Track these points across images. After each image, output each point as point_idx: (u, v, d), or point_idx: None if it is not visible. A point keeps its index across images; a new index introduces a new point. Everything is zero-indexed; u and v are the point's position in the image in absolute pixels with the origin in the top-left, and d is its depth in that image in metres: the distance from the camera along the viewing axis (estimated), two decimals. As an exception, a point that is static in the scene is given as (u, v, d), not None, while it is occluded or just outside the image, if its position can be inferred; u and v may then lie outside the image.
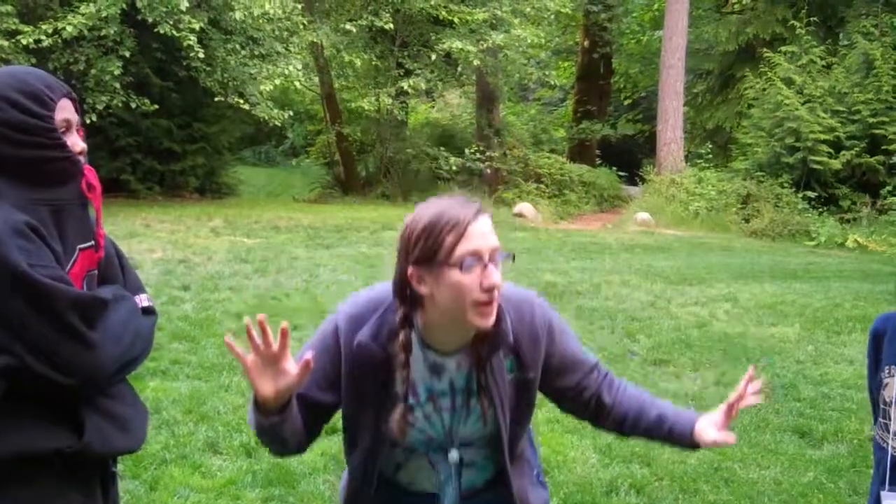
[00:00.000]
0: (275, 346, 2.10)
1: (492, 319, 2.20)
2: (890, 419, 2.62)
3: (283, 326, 2.09)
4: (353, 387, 2.33)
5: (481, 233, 2.17)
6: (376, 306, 2.32)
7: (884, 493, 2.59)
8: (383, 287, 2.33)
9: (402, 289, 2.25)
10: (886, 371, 2.66)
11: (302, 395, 2.32)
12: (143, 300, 2.51)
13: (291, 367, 2.13)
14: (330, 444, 5.38)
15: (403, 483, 2.49)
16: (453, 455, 2.41)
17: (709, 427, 2.40)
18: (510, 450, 2.42)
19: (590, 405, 2.52)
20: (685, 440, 2.44)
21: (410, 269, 2.20)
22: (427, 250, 2.17)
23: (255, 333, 2.09)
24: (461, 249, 2.15)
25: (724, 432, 2.39)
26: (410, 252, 2.20)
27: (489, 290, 2.16)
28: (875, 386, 2.74)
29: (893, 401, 2.61)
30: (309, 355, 2.14)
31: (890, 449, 2.61)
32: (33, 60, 14.65)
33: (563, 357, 2.44)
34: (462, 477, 2.45)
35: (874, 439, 2.73)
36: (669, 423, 2.45)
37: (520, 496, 2.48)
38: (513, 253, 2.24)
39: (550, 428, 5.75)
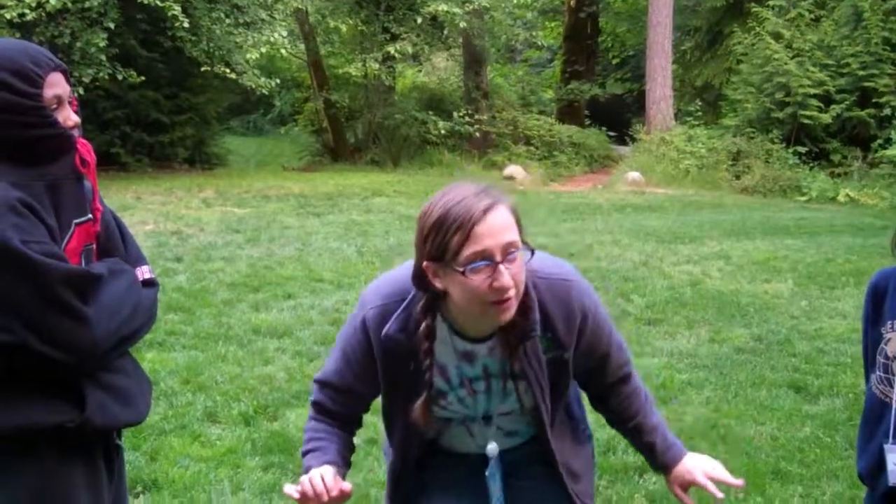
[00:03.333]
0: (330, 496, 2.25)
1: (509, 314, 2.16)
2: (893, 374, 2.62)
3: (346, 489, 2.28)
4: (386, 377, 2.34)
5: (491, 231, 2.07)
6: (402, 296, 2.28)
7: (888, 447, 2.60)
8: (407, 274, 2.27)
9: (421, 280, 2.21)
10: (889, 325, 2.66)
11: (349, 390, 2.39)
12: (144, 272, 2.50)
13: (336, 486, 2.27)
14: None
15: (444, 448, 2.52)
16: (492, 448, 2.45)
17: (678, 484, 2.51)
18: (550, 422, 2.43)
19: (590, 393, 2.59)
20: (656, 466, 2.57)
21: (425, 264, 2.16)
22: (436, 249, 2.11)
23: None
24: (467, 252, 2.07)
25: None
26: (423, 247, 2.15)
27: (500, 290, 2.10)
28: (873, 340, 2.74)
29: (897, 356, 2.62)
30: (347, 487, 2.28)
31: (894, 403, 2.61)
32: (17, 35, 14.50)
33: (587, 344, 2.38)
34: (505, 440, 2.49)
35: (870, 394, 2.73)
36: (654, 453, 2.54)
37: (563, 461, 2.49)
38: (532, 248, 2.17)
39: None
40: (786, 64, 19.97)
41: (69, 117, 2.32)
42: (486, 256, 2.07)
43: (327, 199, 15.04)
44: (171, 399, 5.56)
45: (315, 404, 2.47)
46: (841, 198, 17.67)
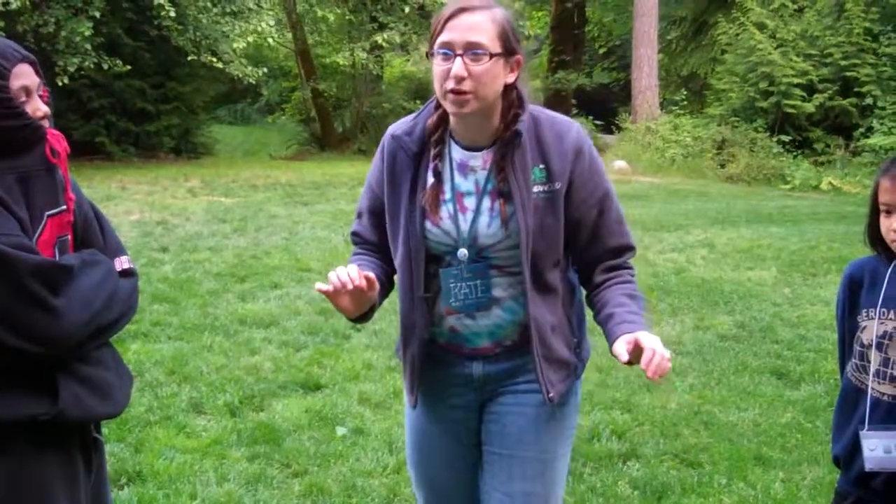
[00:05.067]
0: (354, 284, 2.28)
1: (465, 109, 2.31)
2: (868, 361, 2.67)
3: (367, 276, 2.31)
4: (390, 183, 2.49)
5: (459, 26, 2.29)
6: (421, 110, 2.53)
7: (863, 433, 2.65)
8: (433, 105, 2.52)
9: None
10: (864, 314, 2.70)
11: (376, 210, 2.56)
12: (122, 262, 2.48)
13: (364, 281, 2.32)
14: (314, 402, 5.42)
15: (442, 342, 2.56)
16: (462, 252, 2.44)
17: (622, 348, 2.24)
18: (534, 270, 2.42)
19: (582, 269, 2.57)
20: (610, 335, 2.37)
21: (428, 51, 2.38)
22: (430, 36, 2.37)
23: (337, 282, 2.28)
24: (437, 40, 2.32)
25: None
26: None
27: (454, 79, 2.28)
28: (849, 328, 2.79)
29: (873, 343, 2.66)
30: (371, 275, 2.33)
31: (869, 390, 2.67)
32: (1, 24, 14.48)
33: (581, 186, 2.42)
34: (491, 317, 2.49)
35: (846, 380, 2.78)
36: (608, 325, 2.39)
37: (539, 333, 2.44)
38: (489, 52, 2.29)
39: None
40: (770, 54, 20.05)
41: (38, 108, 2.30)
42: (447, 46, 2.30)
43: (315, 189, 15.03)
44: (157, 390, 5.55)
45: (353, 234, 2.69)
46: (824, 186, 17.78)
